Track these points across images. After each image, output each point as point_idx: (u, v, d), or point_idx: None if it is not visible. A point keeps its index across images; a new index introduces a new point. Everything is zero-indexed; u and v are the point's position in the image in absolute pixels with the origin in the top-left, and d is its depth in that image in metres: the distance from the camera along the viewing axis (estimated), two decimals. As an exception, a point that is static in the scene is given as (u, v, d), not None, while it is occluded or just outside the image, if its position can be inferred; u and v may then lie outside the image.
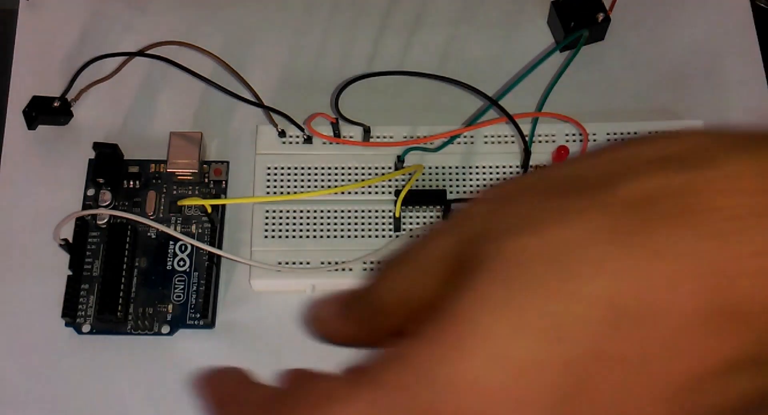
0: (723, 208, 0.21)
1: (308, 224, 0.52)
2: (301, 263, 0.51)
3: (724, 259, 0.21)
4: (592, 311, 0.21)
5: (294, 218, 0.52)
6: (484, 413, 0.22)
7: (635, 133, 0.54)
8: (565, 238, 0.22)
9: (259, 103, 0.54)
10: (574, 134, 0.54)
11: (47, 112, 0.54)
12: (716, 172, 0.22)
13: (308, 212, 0.52)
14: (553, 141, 0.53)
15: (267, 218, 0.52)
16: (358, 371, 0.23)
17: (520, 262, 0.22)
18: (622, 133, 0.54)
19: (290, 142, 0.54)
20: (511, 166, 0.53)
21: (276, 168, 0.53)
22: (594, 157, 0.24)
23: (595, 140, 0.53)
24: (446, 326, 0.22)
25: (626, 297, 0.21)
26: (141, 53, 0.52)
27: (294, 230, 0.52)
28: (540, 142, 0.53)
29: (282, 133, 0.54)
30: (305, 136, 0.54)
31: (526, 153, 0.52)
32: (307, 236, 0.52)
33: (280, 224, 0.52)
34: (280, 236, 0.52)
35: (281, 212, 0.52)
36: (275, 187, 0.53)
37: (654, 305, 0.21)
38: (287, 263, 0.51)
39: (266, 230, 0.52)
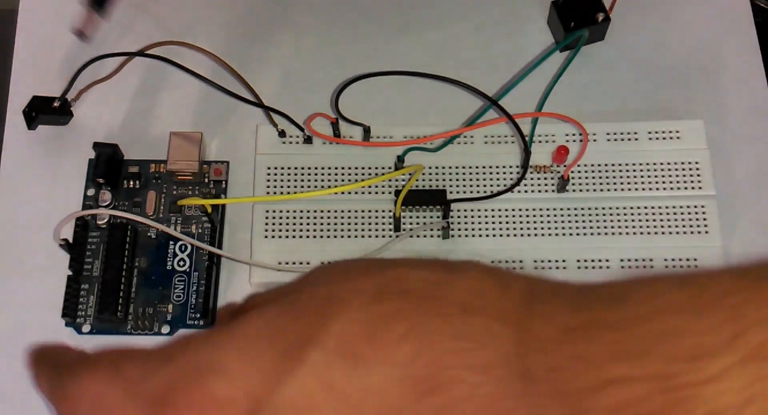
0: (444, 303, 0.29)
1: (308, 223, 0.52)
2: (301, 263, 0.51)
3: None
4: None
5: (294, 217, 0.52)
6: None
7: (635, 133, 0.54)
8: (315, 297, 0.30)
9: (259, 103, 0.54)
10: (574, 134, 0.54)
11: (47, 112, 0.54)
12: (459, 278, 0.30)
13: (308, 211, 0.52)
14: (553, 141, 0.54)
15: (267, 218, 0.52)
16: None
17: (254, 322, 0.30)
18: (622, 133, 0.54)
19: (290, 143, 0.54)
20: (511, 166, 0.53)
21: (276, 168, 0.53)
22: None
23: (595, 140, 0.53)
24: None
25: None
26: (141, 53, 0.52)
27: (294, 230, 0.52)
28: (540, 142, 0.54)
29: (282, 134, 0.54)
30: (305, 137, 0.54)
31: (526, 153, 0.52)
32: (308, 236, 0.52)
33: (280, 224, 0.52)
34: (280, 236, 0.52)
35: (281, 211, 0.52)
36: (275, 187, 0.53)
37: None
38: (287, 263, 0.51)
39: (266, 230, 0.52)
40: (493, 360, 0.27)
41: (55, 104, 0.53)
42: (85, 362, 0.33)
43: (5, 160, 0.55)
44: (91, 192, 0.53)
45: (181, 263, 0.52)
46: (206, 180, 0.54)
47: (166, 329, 0.51)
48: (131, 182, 0.54)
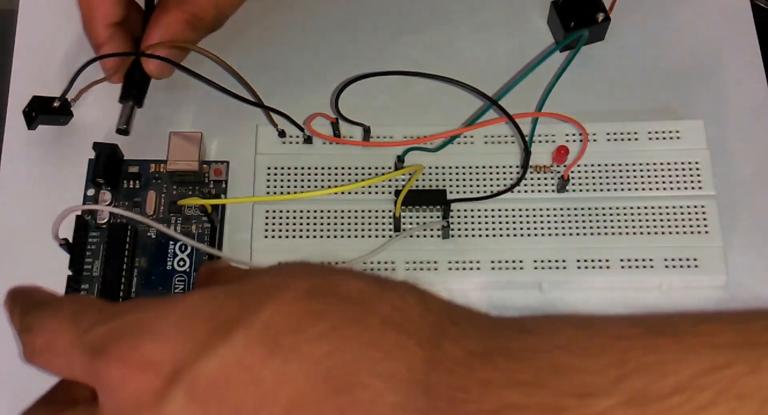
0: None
1: (308, 224, 0.52)
2: (301, 264, 0.51)
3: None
4: None
5: (294, 218, 0.52)
6: None
7: (635, 133, 0.54)
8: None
9: (259, 104, 0.54)
10: (574, 134, 0.54)
11: (47, 112, 0.53)
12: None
13: (308, 212, 0.52)
14: (553, 141, 0.54)
15: (267, 218, 0.52)
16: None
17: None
18: (622, 133, 0.54)
19: (290, 143, 0.54)
20: (510, 166, 0.53)
21: (276, 168, 0.54)
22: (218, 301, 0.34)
23: (595, 140, 0.54)
24: None
25: None
26: (141, 54, 0.52)
27: (294, 230, 0.52)
28: (540, 142, 0.54)
29: (282, 134, 0.54)
30: (305, 137, 0.54)
31: (526, 153, 0.52)
32: (308, 236, 0.52)
33: (281, 224, 0.52)
34: (280, 236, 0.52)
35: (281, 212, 0.52)
36: (275, 187, 0.53)
37: None
38: (287, 264, 0.51)
39: (266, 230, 0.52)
40: (400, 372, 0.30)
41: (55, 104, 0.53)
42: (52, 304, 0.39)
43: (5, 160, 0.55)
44: (91, 192, 0.54)
45: (181, 263, 0.52)
46: (206, 180, 0.54)
47: (166, 329, 0.51)
48: (131, 182, 0.54)
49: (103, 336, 0.34)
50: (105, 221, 0.52)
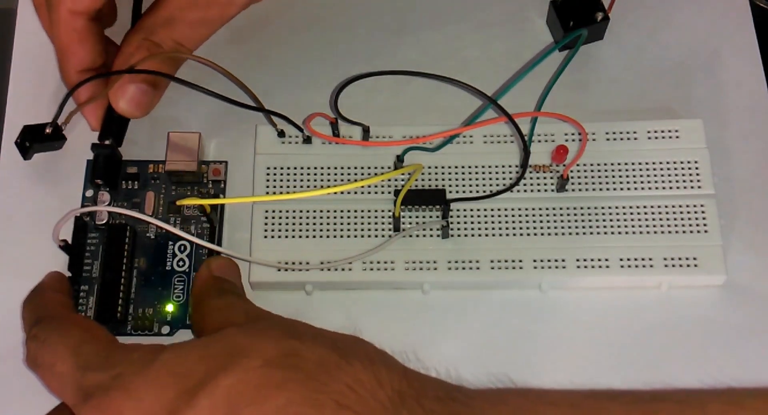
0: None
1: (308, 224, 0.53)
2: (300, 263, 0.52)
3: None
4: None
5: (294, 218, 0.53)
6: None
7: (634, 132, 0.55)
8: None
9: (258, 107, 0.55)
10: (573, 133, 0.55)
11: (40, 139, 0.53)
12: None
13: (308, 212, 0.53)
14: (552, 140, 0.55)
15: (267, 218, 0.53)
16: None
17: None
18: (621, 133, 0.55)
19: (289, 143, 0.55)
20: (510, 166, 0.54)
21: (275, 168, 0.54)
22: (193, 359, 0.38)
23: (594, 139, 0.55)
24: None
25: None
26: (131, 70, 0.52)
27: (294, 231, 0.53)
28: (539, 141, 0.55)
29: (281, 133, 0.55)
30: (304, 137, 0.55)
31: (525, 153, 0.53)
32: (307, 237, 0.53)
33: (280, 224, 0.53)
34: (279, 236, 0.53)
35: (281, 212, 0.53)
36: (275, 187, 0.54)
37: None
38: (287, 264, 0.52)
39: (266, 230, 0.53)
40: None
41: (48, 131, 0.53)
42: (63, 323, 0.44)
43: (4, 161, 0.56)
44: (89, 193, 0.54)
45: (181, 263, 0.53)
46: (205, 180, 0.55)
47: (166, 329, 0.52)
48: (130, 183, 0.55)
49: (93, 385, 0.39)
50: (104, 221, 0.53)
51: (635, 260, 0.52)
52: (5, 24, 0.61)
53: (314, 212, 0.53)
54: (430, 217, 0.53)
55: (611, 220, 0.53)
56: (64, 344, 0.42)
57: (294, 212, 0.53)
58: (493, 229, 0.53)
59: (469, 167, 0.54)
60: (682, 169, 0.54)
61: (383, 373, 0.37)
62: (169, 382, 0.37)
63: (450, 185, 0.54)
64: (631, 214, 0.53)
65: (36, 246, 0.53)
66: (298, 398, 0.34)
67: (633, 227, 0.53)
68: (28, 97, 0.57)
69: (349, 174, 0.54)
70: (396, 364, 0.39)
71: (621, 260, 0.52)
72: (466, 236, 0.53)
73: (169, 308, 0.52)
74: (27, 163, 0.55)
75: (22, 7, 0.61)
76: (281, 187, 0.54)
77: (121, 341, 0.51)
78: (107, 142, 0.54)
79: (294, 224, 0.53)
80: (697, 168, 0.54)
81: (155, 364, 0.38)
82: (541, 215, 0.53)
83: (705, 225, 0.53)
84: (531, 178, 0.54)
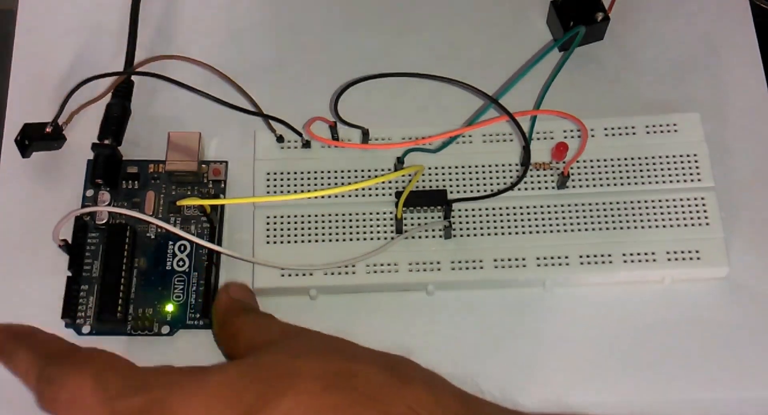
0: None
1: (310, 227, 0.53)
2: (304, 268, 0.52)
3: None
4: None
5: (296, 222, 0.53)
6: None
7: (633, 127, 0.55)
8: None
9: (257, 112, 0.55)
10: (572, 130, 0.55)
11: (40, 138, 0.54)
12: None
13: (309, 216, 0.54)
14: (552, 138, 0.55)
15: (269, 222, 0.53)
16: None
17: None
18: (620, 128, 0.55)
19: (288, 147, 0.56)
20: (510, 165, 0.55)
21: (275, 173, 0.55)
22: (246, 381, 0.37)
23: (593, 135, 0.55)
24: None
25: None
26: (132, 72, 0.52)
27: (296, 235, 0.53)
28: (538, 139, 0.55)
29: (280, 139, 0.55)
30: (304, 141, 0.55)
31: (527, 151, 0.53)
32: (309, 241, 0.53)
33: (282, 230, 0.53)
34: (282, 242, 0.53)
35: (282, 217, 0.54)
36: (275, 192, 0.54)
37: None
38: (290, 270, 0.52)
39: (268, 236, 0.53)
40: None
41: (48, 130, 0.54)
42: (73, 359, 0.42)
43: (4, 161, 0.56)
44: (89, 193, 0.55)
45: (181, 263, 0.53)
46: (205, 180, 0.55)
47: (166, 329, 0.52)
48: (130, 183, 0.55)
49: (131, 410, 0.37)
50: (104, 221, 0.53)
51: (638, 254, 0.52)
52: (5, 24, 0.62)
53: (316, 216, 0.54)
54: (432, 218, 0.53)
55: (613, 215, 0.53)
56: (83, 378, 0.40)
57: (296, 216, 0.54)
58: (495, 228, 0.53)
59: (470, 167, 0.55)
60: (682, 162, 0.54)
61: (442, 395, 0.36)
62: (220, 407, 0.35)
63: (451, 186, 0.54)
64: (633, 209, 0.53)
65: (36, 246, 0.54)
66: None
67: (635, 221, 0.53)
68: (28, 97, 0.57)
69: (349, 177, 0.55)
70: (452, 386, 0.38)
71: (624, 255, 0.52)
72: (468, 235, 0.53)
73: (169, 308, 0.52)
74: (27, 164, 0.55)
75: (22, 7, 0.61)
76: (282, 192, 0.54)
77: (121, 340, 0.52)
78: (107, 142, 0.54)
79: (296, 228, 0.53)
80: (696, 161, 0.54)
81: (203, 389, 0.37)
82: (542, 213, 0.53)
83: (706, 218, 0.53)
84: (531, 176, 0.54)
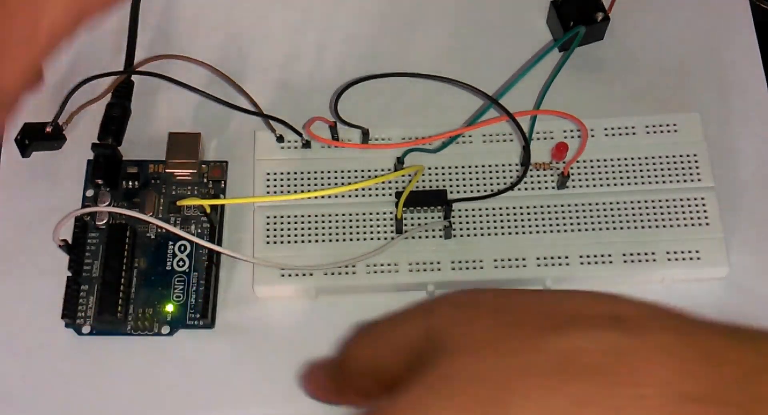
0: (639, 382, 0.26)
1: (310, 228, 0.54)
2: (304, 268, 0.52)
3: None
4: None
5: (296, 222, 0.54)
6: None
7: (632, 127, 0.55)
8: (500, 368, 0.27)
9: (258, 112, 0.56)
10: (572, 130, 0.56)
11: (40, 138, 0.55)
12: (644, 343, 0.26)
13: (309, 216, 0.54)
14: (551, 138, 0.55)
15: (269, 222, 0.54)
16: None
17: (454, 379, 0.27)
18: (619, 128, 0.56)
19: (288, 147, 0.56)
20: (510, 164, 0.55)
21: (275, 173, 0.55)
22: (550, 299, 0.30)
23: (593, 135, 0.55)
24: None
25: None
26: (131, 71, 0.52)
27: (296, 235, 0.53)
28: (538, 139, 0.55)
29: (280, 139, 0.56)
30: (304, 141, 0.55)
31: (526, 151, 0.54)
32: (309, 241, 0.53)
33: (282, 229, 0.54)
34: (282, 242, 0.53)
35: (282, 217, 0.54)
36: (275, 192, 0.55)
37: None
38: (290, 271, 0.53)
39: (268, 236, 0.53)
40: None
41: (48, 130, 0.54)
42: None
43: (4, 161, 0.57)
44: (90, 193, 0.55)
45: (181, 263, 0.53)
46: (205, 180, 0.56)
47: (166, 329, 0.52)
48: (130, 183, 0.55)
49: None
50: (104, 221, 0.54)
51: (638, 254, 0.52)
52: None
53: (316, 216, 0.54)
54: (432, 218, 0.54)
55: (613, 215, 0.53)
56: None
57: (296, 216, 0.54)
58: (495, 228, 0.54)
59: (470, 167, 0.55)
60: (681, 162, 0.55)
61: (702, 339, 0.28)
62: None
63: (451, 186, 0.55)
64: (633, 208, 0.54)
65: (36, 246, 0.54)
66: (613, 405, 0.26)
67: (635, 221, 0.53)
68: (28, 97, 0.57)
69: (349, 177, 0.55)
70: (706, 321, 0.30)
71: (624, 255, 0.52)
72: (468, 235, 0.53)
73: (169, 308, 0.52)
74: (27, 164, 0.56)
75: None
76: (282, 192, 0.55)
77: (121, 340, 0.52)
78: (107, 142, 0.54)
79: (296, 228, 0.54)
80: (696, 161, 0.55)
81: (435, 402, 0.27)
82: (542, 213, 0.54)
83: (706, 218, 0.53)
84: (531, 176, 0.55)
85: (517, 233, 0.53)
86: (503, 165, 0.55)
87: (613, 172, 0.55)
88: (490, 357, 0.27)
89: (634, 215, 0.53)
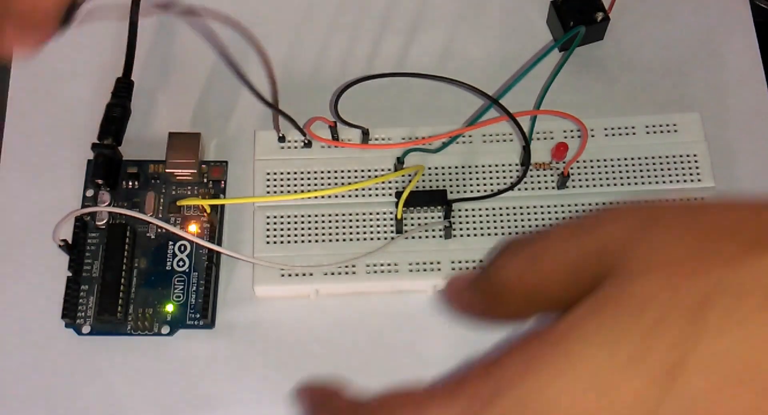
0: None
1: (310, 227, 0.54)
2: (304, 268, 0.53)
3: None
4: (714, 367, 0.22)
5: (295, 222, 0.54)
6: None
7: (632, 127, 0.56)
8: (704, 293, 0.23)
9: (271, 104, 0.55)
10: (572, 130, 0.56)
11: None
12: None
13: (309, 216, 0.54)
14: (551, 138, 0.56)
15: (268, 222, 0.54)
16: (452, 383, 0.26)
17: (644, 305, 0.23)
18: (619, 128, 0.56)
19: (289, 147, 0.56)
20: (510, 164, 0.55)
21: (276, 173, 0.55)
22: (746, 212, 0.25)
23: (593, 135, 0.55)
24: (545, 348, 0.24)
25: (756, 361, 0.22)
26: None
27: (296, 235, 0.54)
28: (539, 139, 0.56)
29: (282, 138, 0.56)
30: (304, 141, 0.56)
31: (526, 151, 0.54)
32: (309, 241, 0.54)
33: (282, 229, 0.54)
34: (282, 242, 0.53)
35: (282, 217, 0.54)
36: (275, 192, 0.55)
37: None
38: (290, 271, 0.53)
39: (268, 236, 0.54)
40: None
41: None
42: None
43: (4, 161, 0.57)
44: (89, 193, 0.55)
45: (181, 263, 0.54)
46: (205, 180, 0.56)
47: (165, 329, 0.52)
48: (130, 183, 0.56)
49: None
50: (104, 221, 0.54)
51: (638, 254, 0.52)
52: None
53: (316, 216, 0.54)
54: (432, 218, 0.54)
55: (613, 215, 0.53)
56: None
57: (296, 216, 0.54)
58: (495, 228, 0.54)
59: (470, 167, 0.55)
60: (682, 162, 0.55)
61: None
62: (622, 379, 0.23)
63: (451, 185, 0.55)
64: (633, 209, 0.54)
65: (36, 246, 0.54)
66: None
67: (635, 221, 0.53)
68: (28, 97, 0.58)
69: (349, 177, 0.55)
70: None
71: (624, 254, 0.52)
72: (468, 236, 0.54)
73: (169, 308, 0.53)
74: (27, 164, 0.56)
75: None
76: (282, 192, 0.55)
77: (120, 340, 0.52)
78: (107, 142, 0.54)
79: (296, 228, 0.54)
80: (696, 161, 0.55)
81: (560, 347, 0.24)
82: (543, 213, 0.54)
83: (707, 218, 0.53)
84: (532, 176, 0.55)
85: (517, 233, 0.53)
86: (503, 165, 0.55)
87: (614, 172, 0.55)
88: (682, 278, 0.23)
89: (634, 215, 0.53)
